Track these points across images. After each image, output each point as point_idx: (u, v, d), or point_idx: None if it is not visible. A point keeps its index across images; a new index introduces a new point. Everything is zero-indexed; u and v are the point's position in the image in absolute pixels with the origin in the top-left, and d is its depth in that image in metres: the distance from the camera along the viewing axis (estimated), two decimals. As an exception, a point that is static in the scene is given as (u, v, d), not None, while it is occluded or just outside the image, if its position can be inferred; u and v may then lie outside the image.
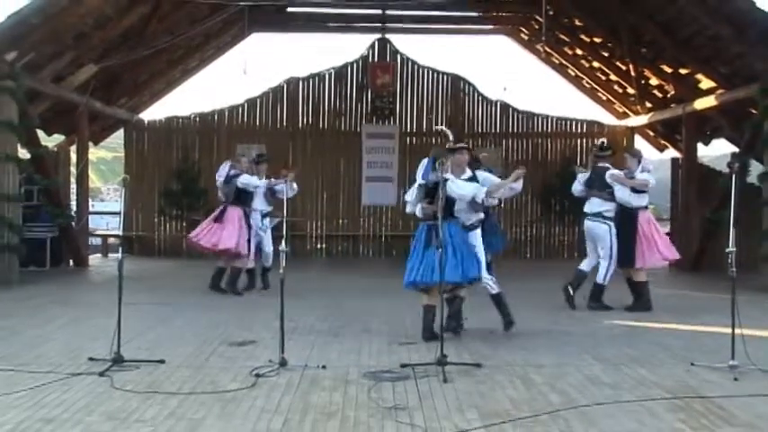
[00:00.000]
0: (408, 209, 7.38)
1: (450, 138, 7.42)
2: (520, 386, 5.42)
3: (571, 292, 9.08)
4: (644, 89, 15.54)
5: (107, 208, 33.91)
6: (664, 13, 12.64)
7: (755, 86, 11.35)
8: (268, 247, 10.50)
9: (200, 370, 5.83)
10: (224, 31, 16.34)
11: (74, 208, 14.63)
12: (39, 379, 5.45)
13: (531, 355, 6.42)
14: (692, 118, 14.18)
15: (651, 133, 17.10)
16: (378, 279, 12.01)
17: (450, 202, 6.90)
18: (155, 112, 17.55)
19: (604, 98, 17.66)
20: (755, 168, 12.01)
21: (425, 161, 7.11)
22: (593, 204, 9.17)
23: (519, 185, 7.53)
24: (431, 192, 6.81)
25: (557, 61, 17.91)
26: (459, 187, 6.88)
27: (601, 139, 10.46)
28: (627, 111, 17.02)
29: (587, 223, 9.24)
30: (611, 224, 9.00)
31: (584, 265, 9.29)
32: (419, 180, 7.07)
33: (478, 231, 7.33)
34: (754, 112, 11.91)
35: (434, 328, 6.67)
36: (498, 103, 16.98)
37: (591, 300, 9.05)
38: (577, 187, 9.47)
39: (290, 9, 17.15)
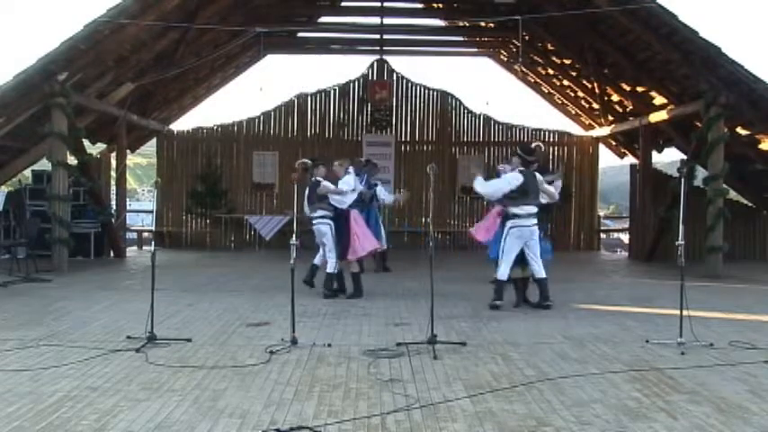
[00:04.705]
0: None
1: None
2: (500, 362, 5.42)
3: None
4: (606, 104, 15.54)
5: (142, 207, 33.90)
6: (623, 40, 12.67)
7: (700, 103, 11.40)
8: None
9: (222, 347, 5.82)
10: (242, 54, 16.39)
11: (114, 207, 14.61)
12: (85, 353, 5.47)
13: (510, 335, 6.42)
14: (648, 129, 14.18)
15: (613, 142, 17.10)
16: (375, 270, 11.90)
17: None
18: (183, 124, 17.67)
19: (573, 112, 17.66)
20: (701, 173, 12.06)
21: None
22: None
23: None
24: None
25: (532, 80, 17.93)
26: None
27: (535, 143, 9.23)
28: (592, 123, 17.00)
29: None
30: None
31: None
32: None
33: None
34: (698, 124, 11.94)
35: None
36: (481, 116, 16.93)
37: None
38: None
39: (300, 34, 17.24)
